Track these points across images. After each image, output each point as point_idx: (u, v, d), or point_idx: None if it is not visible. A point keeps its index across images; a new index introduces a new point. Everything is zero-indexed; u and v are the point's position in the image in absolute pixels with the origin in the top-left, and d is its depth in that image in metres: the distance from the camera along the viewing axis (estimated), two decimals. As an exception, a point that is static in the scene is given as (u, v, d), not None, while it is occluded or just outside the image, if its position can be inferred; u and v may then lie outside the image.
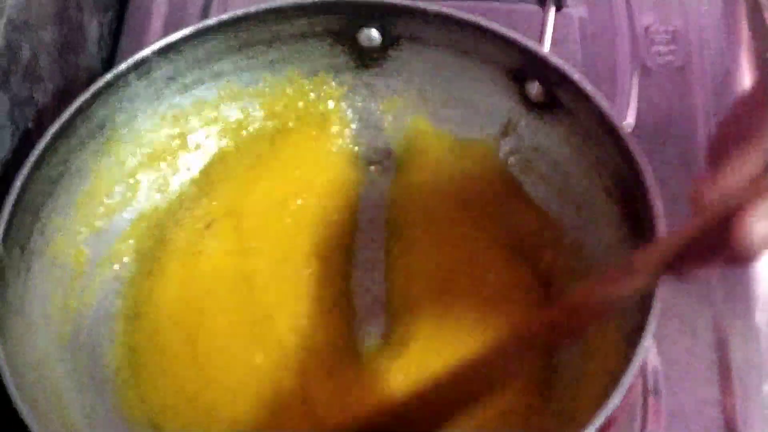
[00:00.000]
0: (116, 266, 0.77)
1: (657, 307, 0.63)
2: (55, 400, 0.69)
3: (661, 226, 0.66)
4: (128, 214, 0.78)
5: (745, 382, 0.75)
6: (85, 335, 0.74)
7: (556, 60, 0.74)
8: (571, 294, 0.64)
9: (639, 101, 0.86)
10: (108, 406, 0.72)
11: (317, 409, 0.72)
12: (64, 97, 0.78)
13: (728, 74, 0.88)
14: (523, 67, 0.76)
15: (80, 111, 0.73)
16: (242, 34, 0.78)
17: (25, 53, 0.76)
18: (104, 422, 0.71)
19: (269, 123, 0.82)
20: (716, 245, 0.55)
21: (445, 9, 0.77)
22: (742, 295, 0.79)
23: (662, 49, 0.90)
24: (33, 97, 0.78)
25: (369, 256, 0.79)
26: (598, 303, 0.60)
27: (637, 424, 0.74)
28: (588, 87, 0.72)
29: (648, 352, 0.74)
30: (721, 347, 0.77)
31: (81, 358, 0.73)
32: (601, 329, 0.70)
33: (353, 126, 0.83)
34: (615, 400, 0.61)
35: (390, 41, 0.80)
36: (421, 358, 0.73)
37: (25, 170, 0.70)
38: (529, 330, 0.65)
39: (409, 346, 0.73)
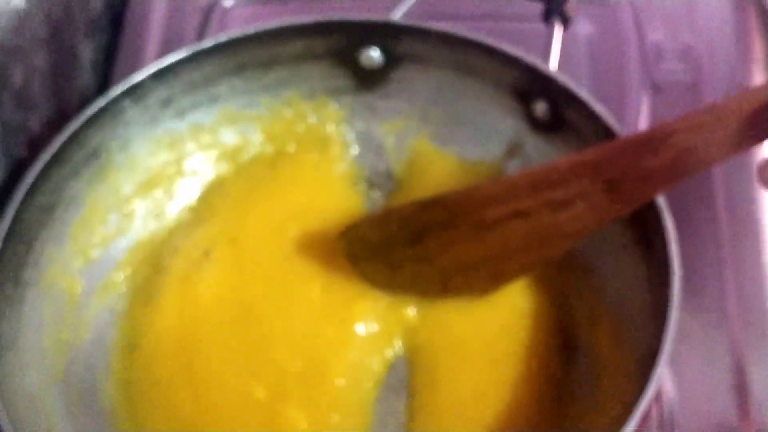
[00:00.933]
0: (112, 297, 0.76)
1: (672, 331, 0.62)
2: (51, 434, 0.68)
3: (674, 249, 0.65)
4: (124, 243, 0.77)
5: (763, 409, 0.74)
6: (80, 368, 0.73)
7: (563, 78, 0.73)
8: (653, 128, 0.62)
9: (649, 120, 0.85)
10: (104, 440, 0.71)
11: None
12: (57, 123, 0.77)
13: (741, 91, 0.87)
14: (529, 86, 0.75)
15: (74, 137, 0.72)
16: (239, 56, 0.77)
17: (17, 78, 0.76)
18: (101, 456, 0.70)
19: (268, 147, 0.81)
20: None
21: (449, 28, 0.76)
22: (759, 320, 0.77)
23: (672, 66, 0.89)
24: (25, 124, 0.77)
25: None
26: (681, 147, 0.58)
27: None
28: (596, 106, 0.71)
29: (663, 379, 0.73)
30: (739, 374, 0.75)
31: (76, 391, 0.71)
32: (614, 356, 0.69)
33: (354, 149, 0.82)
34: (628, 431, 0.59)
35: (392, 62, 0.79)
36: None
37: (17, 199, 0.69)
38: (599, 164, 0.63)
39: None
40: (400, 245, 0.74)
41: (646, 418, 0.60)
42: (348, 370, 0.74)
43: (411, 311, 0.76)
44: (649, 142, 0.60)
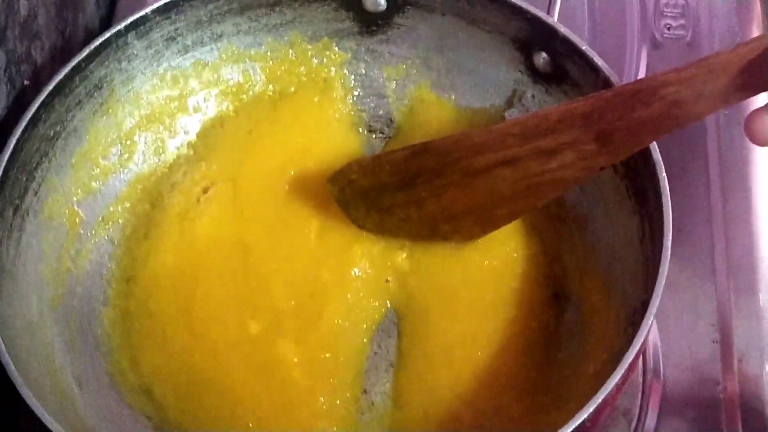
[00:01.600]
0: (111, 229, 0.76)
1: (662, 284, 0.62)
2: (47, 363, 0.68)
3: (667, 202, 0.65)
4: (124, 176, 0.77)
5: (746, 362, 0.75)
6: (78, 298, 0.73)
7: (564, 30, 0.73)
8: (644, 79, 0.62)
9: (647, 75, 0.85)
10: (99, 370, 0.72)
11: (308, 375, 0.72)
12: (61, 56, 0.77)
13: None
14: (531, 37, 0.75)
15: (77, 69, 0.72)
16: (245, -5, 0.77)
17: (23, 9, 0.75)
18: (96, 386, 0.71)
19: (270, 87, 0.81)
20: None
21: (453, -25, 0.76)
22: (745, 275, 0.78)
23: (672, 23, 0.89)
24: (30, 55, 0.77)
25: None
26: (671, 99, 0.58)
27: (637, 403, 0.73)
28: (596, 59, 0.71)
29: (649, 331, 0.73)
30: (724, 327, 0.76)
31: (73, 321, 0.72)
32: (603, 307, 0.70)
33: (355, 93, 0.82)
34: (614, 380, 0.59)
35: (396, 7, 0.79)
36: None
37: (19, 128, 0.69)
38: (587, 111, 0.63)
39: None
40: (390, 190, 0.75)
41: (631, 368, 0.61)
42: (341, 311, 0.75)
43: (403, 257, 0.77)
44: (640, 93, 0.60)
